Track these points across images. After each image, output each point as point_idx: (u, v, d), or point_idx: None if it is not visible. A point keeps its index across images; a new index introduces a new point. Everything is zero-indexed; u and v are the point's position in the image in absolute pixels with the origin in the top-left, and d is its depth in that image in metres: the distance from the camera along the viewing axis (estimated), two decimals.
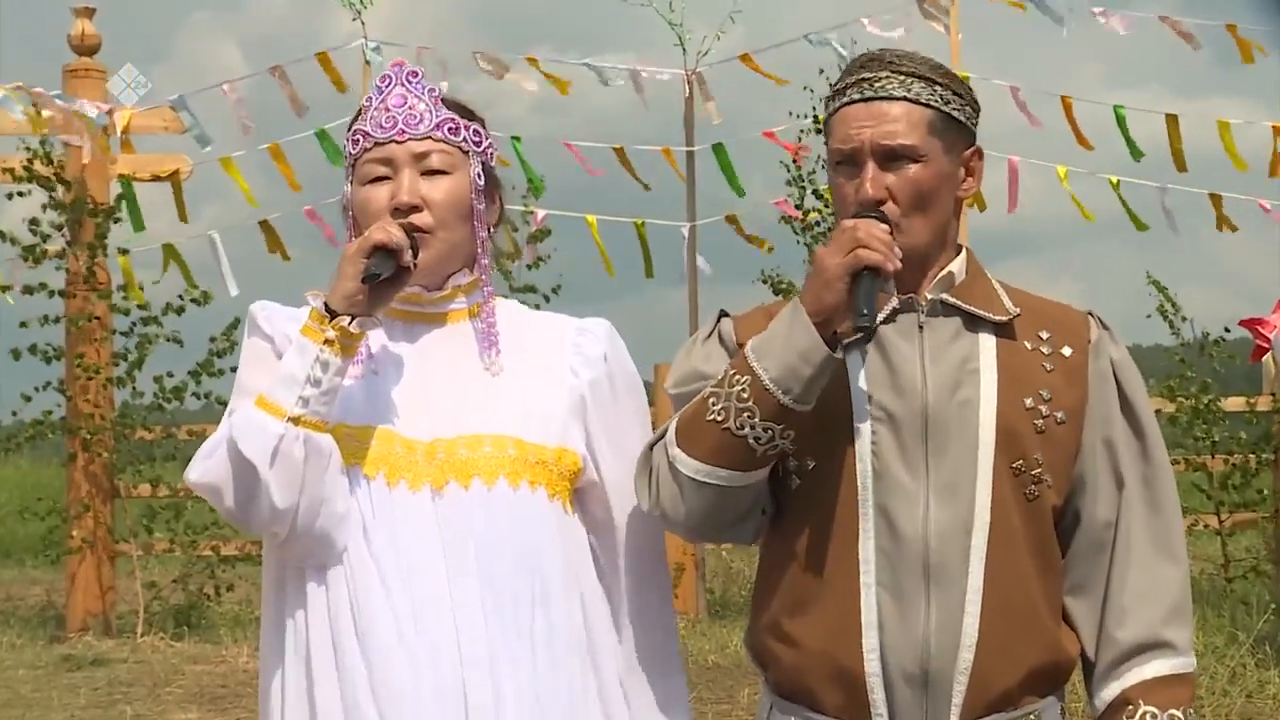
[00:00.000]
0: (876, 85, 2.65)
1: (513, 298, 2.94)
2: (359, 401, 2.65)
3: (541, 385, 2.75)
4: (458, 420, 2.67)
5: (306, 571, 2.62)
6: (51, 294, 10.32)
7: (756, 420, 2.53)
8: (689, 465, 2.58)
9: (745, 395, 2.53)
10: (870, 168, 2.62)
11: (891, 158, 2.62)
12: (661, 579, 2.88)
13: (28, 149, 10.28)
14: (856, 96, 2.66)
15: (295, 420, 2.53)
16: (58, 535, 10.81)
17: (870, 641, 2.57)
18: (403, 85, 2.74)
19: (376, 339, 2.71)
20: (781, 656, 2.66)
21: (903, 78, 2.66)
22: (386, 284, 2.58)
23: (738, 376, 2.55)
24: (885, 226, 2.55)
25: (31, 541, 14.16)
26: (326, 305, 2.57)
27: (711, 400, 2.57)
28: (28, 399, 10.46)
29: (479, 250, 2.74)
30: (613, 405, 2.79)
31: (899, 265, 2.54)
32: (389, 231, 2.57)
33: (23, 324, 10.36)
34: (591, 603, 2.75)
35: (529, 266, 10.74)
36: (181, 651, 9.61)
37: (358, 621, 2.57)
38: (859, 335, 2.53)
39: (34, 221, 10.34)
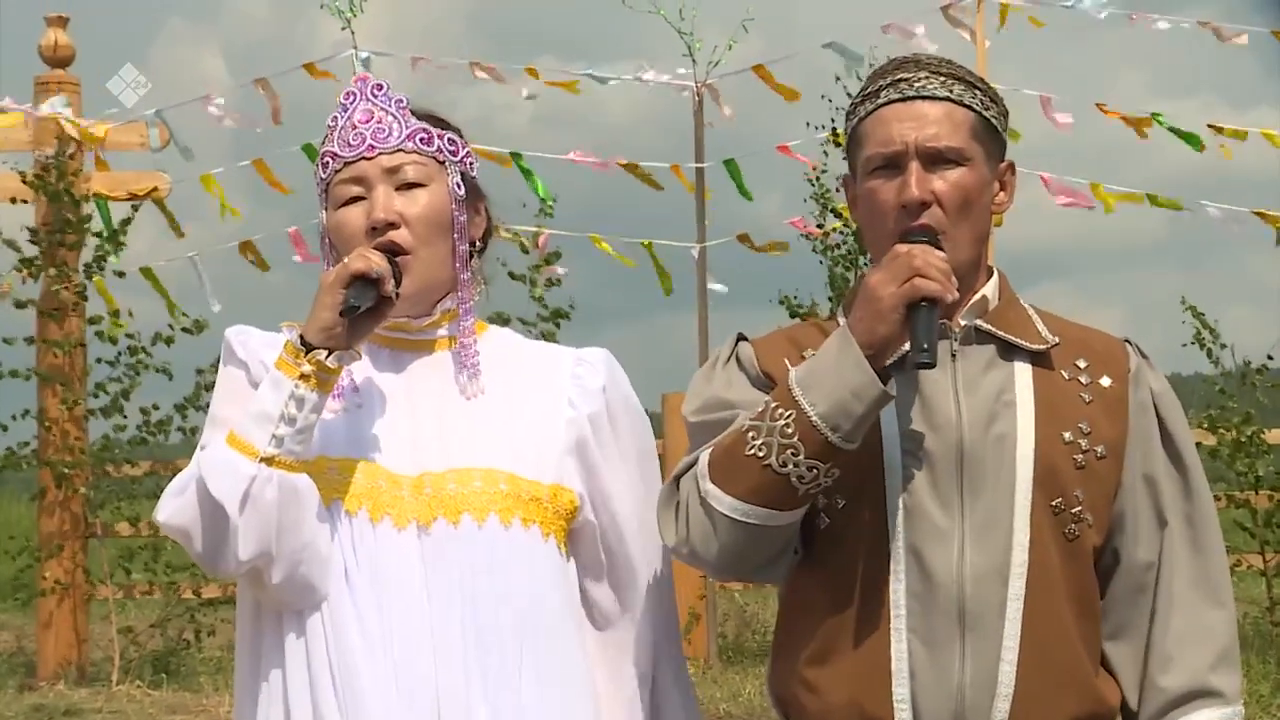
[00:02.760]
0: (917, 85, 2.64)
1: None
2: (341, 433, 2.64)
3: (537, 418, 2.73)
4: (446, 453, 2.65)
5: (284, 616, 2.60)
6: (42, 313, 10.24)
7: (801, 458, 2.50)
8: (724, 502, 2.54)
9: (790, 431, 2.50)
10: (914, 168, 2.60)
11: (936, 161, 2.61)
12: (670, 626, 2.86)
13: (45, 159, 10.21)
14: (895, 96, 2.64)
15: (268, 460, 2.51)
16: (28, 576, 10.75)
17: (901, 691, 2.55)
18: (367, 100, 2.73)
19: (360, 368, 2.69)
20: (806, 705, 2.64)
21: (943, 78, 2.65)
22: (367, 315, 2.56)
23: (781, 410, 2.51)
24: (941, 254, 2.53)
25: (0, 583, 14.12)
26: (302, 338, 2.55)
27: (750, 434, 2.53)
28: (4, 428, 10.38)
29: (457, 266, 2.72)
30: (613, 440, 2.78)
31: (957, 295, 2.53)
32: (369, 259, 2.55)
33: (7, 340, 10.30)
34: (587, 651, 2.73)
35: (538, 290, 10.63)
36: (160, 701, 9.57)
37: (335, 673, 2.55)
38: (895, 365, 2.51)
39: (34, 231, 10.25)
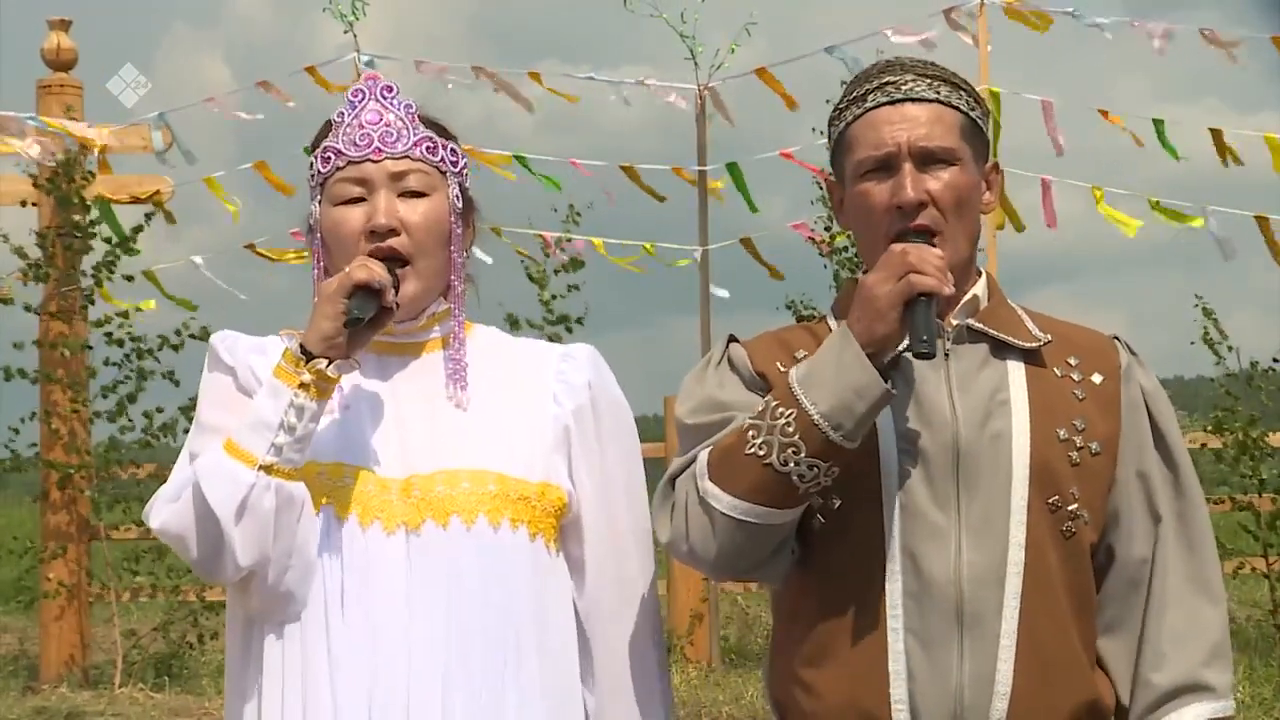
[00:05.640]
0: (905, 87, 2.66)
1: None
2: (330, 438, 2.64)
3: (523, 417, 2.74)
4: (434, 456, 2.66)
5: (275, 625, 2.61)
6: (51, 315, 10.25)
7: (802, 456, 2.50)
8: (724, 501, 2.55)
9: (791, 430, 2.51)
10: (908, 169, 2.61)
11: (929, 161, 2.62)
12: (651, 623, 2.85)
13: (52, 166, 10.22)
14: (884, 99, 2.65)
15: (267, 469, 2.51)
16: (31, 579, 10.76)
17: (898, 692, 2.56)
18: (377, 100, 2.73)
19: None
20: (803, 707, 2.64)
21: (930, 80, 2.67)
22: (367, 325, 2.57)
23: (782, 409, 2.52)
24: (936, 250, 2.54)
25: (2, 586, 14.12)
26: (302, 346, 2.55)
27: (751, 433, 2.53)
28: (16, 431, 10.38)
29: (453, 277, 2.73)
30: (596, 435, 2.78)
31: (953, 289, 2.54)
32: (371, 269, 2.55)
33: (16, 345, 10.31)
34: (572, 652, 2.73)
35: (555, 297, 10.61)
36: (162, 704, 9.57)
37: (305, 681, 2.56)
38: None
39: (41, 235, 10.25)
